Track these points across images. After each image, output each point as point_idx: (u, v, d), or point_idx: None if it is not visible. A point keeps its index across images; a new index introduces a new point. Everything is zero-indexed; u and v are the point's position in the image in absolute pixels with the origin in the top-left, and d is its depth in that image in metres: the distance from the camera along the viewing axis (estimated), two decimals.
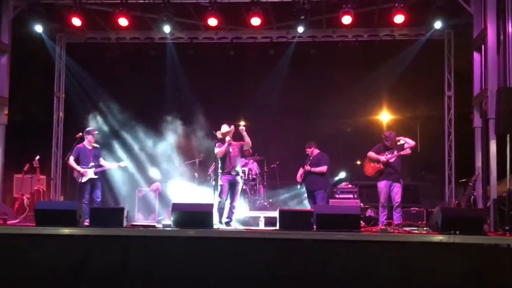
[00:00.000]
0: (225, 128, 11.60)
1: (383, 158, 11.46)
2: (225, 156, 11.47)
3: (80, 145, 12.21)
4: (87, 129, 12.53)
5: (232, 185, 11.44)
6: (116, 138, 15.27)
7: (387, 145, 11.63)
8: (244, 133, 11.40)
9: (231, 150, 11.50)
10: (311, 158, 12.44)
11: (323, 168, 12.25)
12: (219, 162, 11.64)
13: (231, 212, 11.39)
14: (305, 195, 12.91)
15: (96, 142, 12.46)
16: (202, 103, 15.86)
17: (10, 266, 8.80)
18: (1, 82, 12.83)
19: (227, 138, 11.48)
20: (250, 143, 11.53)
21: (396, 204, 11.32)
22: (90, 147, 12.23)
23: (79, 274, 8.71)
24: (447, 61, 14.63)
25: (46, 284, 8.72)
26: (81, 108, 15.48)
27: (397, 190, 11.36)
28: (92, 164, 12.03)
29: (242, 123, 16.75)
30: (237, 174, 11.49)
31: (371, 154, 11.75)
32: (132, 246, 8.80)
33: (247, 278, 8.58)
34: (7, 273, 8.78)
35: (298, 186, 12.73)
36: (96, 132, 12.55)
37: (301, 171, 12.50)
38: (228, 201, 11.44)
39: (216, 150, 11.57)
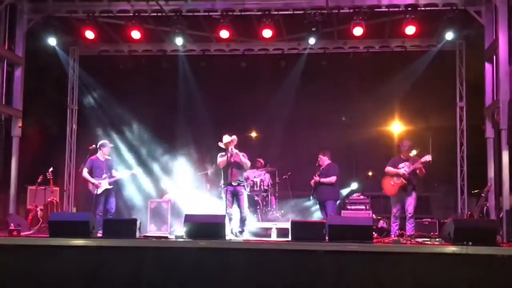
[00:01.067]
0: (226, 138, 11.55)
1: (402, 171, 11.31)
2: (227, 167, 11.44)
3: (93, 157, 12.30)
4: (101, 141, 12.60)
5: (235, 195, 11.42)
6: (129, 150, 15.37)
7: (403, 157, 11.52)
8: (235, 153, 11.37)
9: (232, 160, 11.47)
10: (321, 168, 12.45)
11: (332, 179, 12.25)
12: (222, 173, 11.65)
13: (242, 223, 11.37)
14: (317, 206, 12.91)
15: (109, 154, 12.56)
16: (214, 114, 15.95)
17: (24, 277, 8.87)
18: (16, 94, 12.95)
19: (233, 150, 11.40)
20: (247, 163, 11.53)
21: (409, 215, 11.26)
22: (103, 159, 12.31)
23: (92, 285, 8.76)
24: (459, 72, 14.63)
25: None
26: (94, 120, 15.60)
27: (410, 201, 11.28)
28: (105, 175, 12.11)
29: (253, 134, 16.87)
30: (239, 184, 11.46)
31: (389, 169, 11.63)
32: (145, 257, 8.86)
33: None
34: (21, 284, 8.85)
35: (311, 197, 12.73)
36: (112, 145, 12.63)
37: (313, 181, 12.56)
38: (238, 211, 11.44)
39: (219, 160, 11.57)
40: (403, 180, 11.20)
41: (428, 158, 11.14)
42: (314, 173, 12.53)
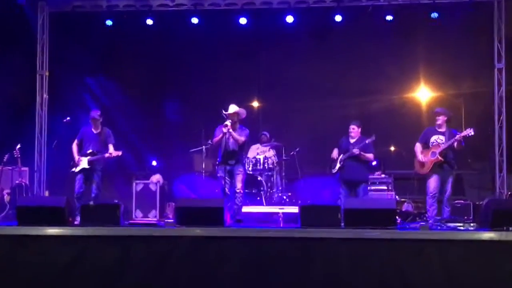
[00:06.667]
0: (231, 108, 11.46)
1: (438, 149, 11.16)
2: (221, 144, 11.37)
3: (86, 128, 12.19)
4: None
5: (230, 173, 11.39)
6: (110, 122, 15.30)
7: (438, 128, 11.39)
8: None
9: (228, 136, 11.36)
10: (354, 140, 12.10)
11: (371, 156, 12.00)
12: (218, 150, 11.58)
13: (236, 205, 11.27)
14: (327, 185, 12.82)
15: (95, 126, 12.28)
16: (209, 81, 15.92)
17: None
18: None
19: (230, 129, 11.32)
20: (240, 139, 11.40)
21: (447, 197, 11.22)
22: (96, 131, 12.17)
23: (69, 280, 8.79)
24: (497, 28, 14.51)
25: None
26: (69, 88, 15.55)
27: (450, 181, 11.23)
28: (90, 151, 11.98)
29: (256, 104, 16.81)
30: (237, 162, 11.44)
31: (415, 149, 11.50)
32: (130, 248, 8.86)
33: (263, 284, 8.63)
34: None
35: (333, 171, 12.20)
36: (96, 117, 12.13)
37: (335, 152, 12.23)
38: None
39: (215, 138, 11.49)
40: (438, 156, 11.11)
41: (470, 131, 10.99)
42: (332, 146, 12.34)
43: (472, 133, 11.00)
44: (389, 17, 14.69)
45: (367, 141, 11.76)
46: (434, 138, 11.32)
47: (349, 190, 11.95)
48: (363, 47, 15.68)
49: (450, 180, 11.22)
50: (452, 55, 15.46)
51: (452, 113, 11.73)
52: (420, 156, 11.39)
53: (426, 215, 11.44)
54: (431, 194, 11.26)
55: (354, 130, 12.09)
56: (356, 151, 11.67)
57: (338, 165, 11.98)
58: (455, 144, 11.06)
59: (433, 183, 11.23)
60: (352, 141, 12.05)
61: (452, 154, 11.27)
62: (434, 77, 16.45)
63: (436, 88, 16.67)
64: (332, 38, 15.54)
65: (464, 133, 11.02)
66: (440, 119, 11.38)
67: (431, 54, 15.59)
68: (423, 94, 17.11)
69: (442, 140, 11.17)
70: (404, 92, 16.77)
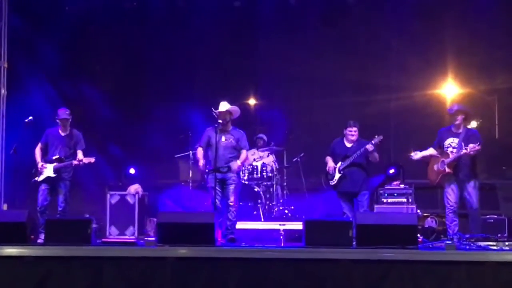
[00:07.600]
0: (222, 105, 11.46)
1: (447, 159, 11.15)
2: (211, 148, 11.40)
3: (51, 129, 12.15)
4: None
5: (222, 183, 11.41)
6: (80, 123, 15.29)
7: (455, 129, 11.39)
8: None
9: (223, 139, 11.41)
10: (352, 144, 12.20)
11: (377, 156, 12.02)
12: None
13: (229, 221, 11.30)
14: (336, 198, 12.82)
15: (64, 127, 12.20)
16: (197, 74, 15.88)
17: None
18: None
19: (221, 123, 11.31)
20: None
21: (474, 210, 11.19)
22: (63, 133, 12.14)
23: None
24: None
25: None
26: (31, 83, 15.52)
27: (471, 192, 11.20)
28: (56, 156, 11.94)
29: (252, 101, 16.81)
30: (228, 170, 11.43)
31: (431, 151, 11.56)
32: (104, 271, 8.84)
33: None
34: None
35: (333, 182, 12.22)
36: (65, 116, 12.08)
37: (330, 162, 12.33)
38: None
39: (198, 149, 11.50)
40: (446, 168, 11.08)
41: (475, 146, 10.85)
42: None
43: (477, 147, 10.85)
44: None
45: (373, 141, 11.72)
46: (448, 142, 11.26)
47: (351, 202, 12.07)
48: (379, 33, 15.71)
49: (472, 189, 11.13)
50: (484, 44, 15.45)
51: (472, 110, 11.68)
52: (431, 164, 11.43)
53: (447, 233, 11.41)
54: (451, 208, 11.25)
55: (356, 133, 12.09)
56: (370, 147, 11.69)
57: (337, 175, 12.02)
58: (471, 152, 10.99)
59: (451, 195, 11.22)
60: (349, 145, 12.09)
61: (470, 160, 11.19)
62: (462, 70, 16.46)
63: (465, 83, 16.67)
64: (344, 22, 15.59)
65: (468, 149, 10.83)
66: (459, 119, 11.30)
67: (460, 42, 15.57)
68: (450, 90, 17.12)
69: (456, 144, 11.11)
70: (427, 88, 16.77)
